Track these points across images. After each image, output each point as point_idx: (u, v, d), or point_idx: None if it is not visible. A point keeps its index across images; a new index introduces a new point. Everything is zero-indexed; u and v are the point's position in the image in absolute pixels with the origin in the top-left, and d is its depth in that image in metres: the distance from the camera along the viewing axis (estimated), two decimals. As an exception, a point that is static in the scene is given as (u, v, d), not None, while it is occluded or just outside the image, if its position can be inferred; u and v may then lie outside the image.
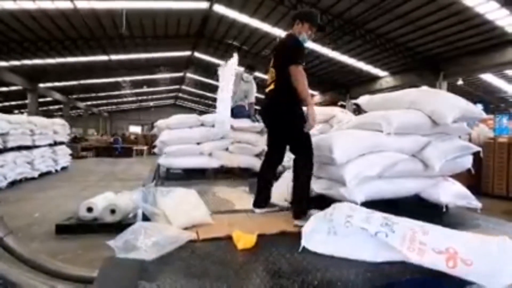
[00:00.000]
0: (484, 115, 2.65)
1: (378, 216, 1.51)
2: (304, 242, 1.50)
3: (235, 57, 3.95)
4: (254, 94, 4.50)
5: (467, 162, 2.41)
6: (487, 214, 2.39)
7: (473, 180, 5.03)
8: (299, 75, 2.05)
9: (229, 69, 3.87)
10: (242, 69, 4.42)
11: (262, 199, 2.27)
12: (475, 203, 2.25)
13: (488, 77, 14.26)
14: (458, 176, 2.45)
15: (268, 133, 2.40)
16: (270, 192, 2.31)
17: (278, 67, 2.16)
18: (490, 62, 10.19)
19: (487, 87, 15.85)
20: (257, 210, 2.25)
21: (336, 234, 1.46)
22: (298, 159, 2.12)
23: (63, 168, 10.71)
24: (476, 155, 2.47)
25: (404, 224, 1.46)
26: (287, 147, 2.26)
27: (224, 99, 3.83)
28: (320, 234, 1.50)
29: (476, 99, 15.91)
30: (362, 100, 2.68)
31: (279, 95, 2.15)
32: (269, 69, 2.26)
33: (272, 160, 2.36)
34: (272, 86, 2.19)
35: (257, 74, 14.90)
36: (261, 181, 2.32)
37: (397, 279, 1.27)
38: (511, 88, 15.74)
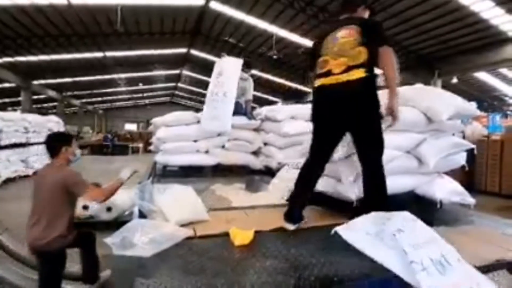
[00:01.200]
0: (478, 113, 2.67)
1: (434, 249, 1.23)
2: (343, 233, 1.38)
3: (240, 61, 3.67)
4: (251, 91, 4.49)
5: (461, 159, 2.44)
6: (481, 211, 2.43)
7: (466, 177, 5.09)
8: (392, 59, 1.78)
9: (234, 70, 3.52)
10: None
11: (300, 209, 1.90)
12: (469, 199, 2.28)
13: (483, 76, 14.40)
14: (452, 173, 2.48)
15: (328, 127, 1.92)
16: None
17: (365, 52, 1.76)
18: (484, 61, 10.29)
19: (481, 85, 16.01)
20: (293, 227, 1.82)
21: (382, 240, 1.29)
22: (374, 156, 1.82)
23: (58, 166, 10.61)
24: (470, 152, 2.50)
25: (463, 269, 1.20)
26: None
27: (227, 99, 3.40)
28: (367, 234, 1.35)
29: (471, 97, 16.06)
30: None
31: (367, 84, 1.77)
32: (319, 55, 1.91)
33: (325, 159, 1.97)
34: (355, 75, 1.75)
35: (257, 72, 15.01)
36: (308, 184, 1.94)
37: (392, 273, 1.29)
38: (504, 86, 15.92)
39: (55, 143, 2.08)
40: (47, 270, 1.95)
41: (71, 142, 2.12)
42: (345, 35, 1.82)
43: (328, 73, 1.83)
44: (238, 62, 3.63)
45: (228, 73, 3.46)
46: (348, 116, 1.82)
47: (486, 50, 9.95)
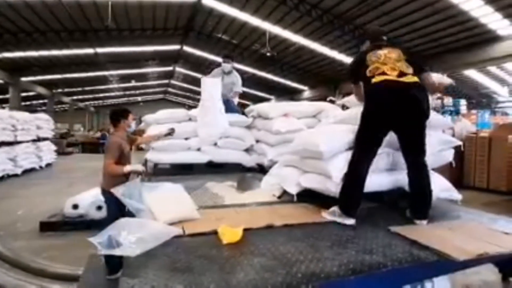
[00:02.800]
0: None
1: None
2: None
3: (217, 80, 3.88)
4: (239, 83, 4.46)
5: (449, 155, 2.48)
6: (468, 206, 2.48)
7: (455, 173, 5.18)
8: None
9: (213, 89, 3.72)
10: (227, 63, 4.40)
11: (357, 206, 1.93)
12: (456, 195, 2.33)
13: (472, 74, 14.64)
14: (440, 170, 2.52)
15: (385, 124, 1.94)
16: None
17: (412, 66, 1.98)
18: (474, 59, 10.45)
19: (470, 83, 16.28)
20: (350, 221, 1.87)
21: None
22: (422, 162, 1.96)
23: (48, 165, 10.43)
24: (457, 149, 2.55)
25: None
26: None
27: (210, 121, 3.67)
28: None
29: (460, 95, 16.32)
30: (347, 99, 2.74)
31: (423, 89, 1.96)
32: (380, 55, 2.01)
33: (373, 157, 1.97)
34: (412, 78, 1.92)
35: (239, 66, 14.95)
36: (361, 184, 1.94)
37: (377, 269, 1.31)
38: (493, 84, 16.22)
39: (116, 116, 2.72)
40: (108, 207, 2.56)
41: (128, 116, 2.75)
42: (387, 52, 2.04)
43: (384, 73, 1.94)
44: (215, 81, 3.85)
45: (208, 93, 3.70)
46: (409, 114, 1.91)
47: (475, 48, 10.11)
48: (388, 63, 1.97)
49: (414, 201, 2.00)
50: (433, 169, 2.50)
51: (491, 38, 9.58)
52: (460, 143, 2.46)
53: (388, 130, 1.97)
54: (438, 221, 1.97)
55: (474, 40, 9.90)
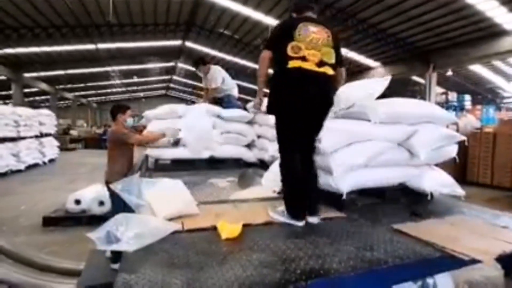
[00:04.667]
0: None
1: None
2: None
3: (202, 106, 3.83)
4: (214, 78, 4.34)
5: (452, 151, 2.44)
6: (472, 202, 2.44)
7: (458, 169, 5.14)
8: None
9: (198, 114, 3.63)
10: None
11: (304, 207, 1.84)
12: (459, 190, 2.29)
13: (477, 68, 14.44)
14: (443, 165, 2.49)
15: (302, 114, 1.84)
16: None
17: (334, 56, 1.87)
18: (479, 53, 10.28)
19: (475, 78, 16.07)
20: (301, 223, 1.77)
21: None
22: (313, 149, 1.96)
23: (51, 160, 10.50)
24: (461, 144, 2.51)
25: None
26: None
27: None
28: None
29: (465, 90, 16.14)
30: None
31: (332, 81, 1.91)
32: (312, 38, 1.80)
33: (300, 148, 1.91)
34: (331, 71, 1.84)
35: (241, 61, 14.76)
36: (300, 182, 1.84)
37: (378, 265, 1.29)
38: (499, 79, 16.00)
39: (113, 112, 3.10)
40: (112, 201, 2.79)
41: (125, 112, 3.13)
42: (317, 32, 1.84)
43: (304, 59, 1.78)
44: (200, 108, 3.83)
45: (194, 118, 3.62)
46: (322, 105, 1.89)
47: (481, 43, 9.94)
48: (314, 47, 1.79)
49: (307, 196, 1.88)
50: (436, 165, 2.48)
51: (497, 32, 9.41)
52: (464, 138, 2.42)
53: (303, 119, 1.86)
54: (441, 217, 1.95)
55: (479, 34, 9.73)
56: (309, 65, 1.77)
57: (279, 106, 1.88)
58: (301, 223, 1.76)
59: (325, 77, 1.82)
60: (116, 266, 2.42)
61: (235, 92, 4.57)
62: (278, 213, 1.84)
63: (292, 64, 1.77)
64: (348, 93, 2.25)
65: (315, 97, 1.82)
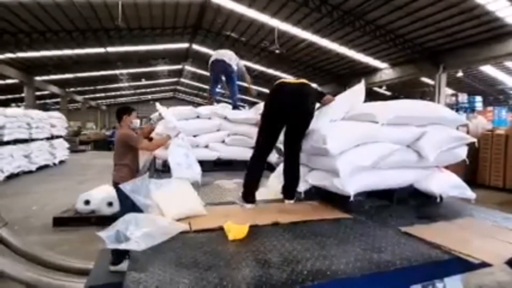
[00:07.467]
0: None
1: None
2: None
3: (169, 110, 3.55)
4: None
5: (462, 153, 2.40)
6: (483, 205, 2.39)
7: (469, 171, 5.04)
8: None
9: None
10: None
11: (253, 194, 2.26)
12: (469, 193, 2.25)
13: (488, 69, 14.17)
14: (453, 167, 2.45)
15: (278, 121, 2.24)
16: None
17: None
18: (490, 54, 10.10)
19: (486, 79, 15.77)
20: (249, 206, 2.19)
21: None
22: (298, 149, 2.28)
23: (61, 162, 10.71)
24: (471, 146, 2.46)
25: None
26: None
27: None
28: None
29: (476, 91, 15.85)
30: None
31: (312, 87, 2.32)
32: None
33: (269, 152, 2.37)
34: (305, 81, 2.27)
35: (248, 63, 14.79)
36: (255, 175, 2.30)
37: (386, 267, 1.28)
38: (510, 80, 15.66)
39: (119, 113, 3.11)
40: (121, 202, 2.80)
41: (130, 113, 3.12)
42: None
43: (284, 80, 2.30)
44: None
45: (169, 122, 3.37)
46: (298, 109, 2.17)
47: (492, 43, 9.77)
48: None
49: (287, 184, 2.29)
50: (445, 167, 2.44)
51: (509, 32, 9.24)
52: (474, 139, 2.37)
53: (283, 123, 2.23)
54: (449, 220, 1.91)
55: (491, 34, 9.57)
56: (288, 81, 2.26)
57: (263, 112, 2.31)
58: (249, 206, 2.16)
59: (302, 84, 2.22)
60: (114, 268, 2.49)
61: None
62: (238, 198, 2.26)
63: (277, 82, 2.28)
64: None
65: (293, 99, 2.16)
